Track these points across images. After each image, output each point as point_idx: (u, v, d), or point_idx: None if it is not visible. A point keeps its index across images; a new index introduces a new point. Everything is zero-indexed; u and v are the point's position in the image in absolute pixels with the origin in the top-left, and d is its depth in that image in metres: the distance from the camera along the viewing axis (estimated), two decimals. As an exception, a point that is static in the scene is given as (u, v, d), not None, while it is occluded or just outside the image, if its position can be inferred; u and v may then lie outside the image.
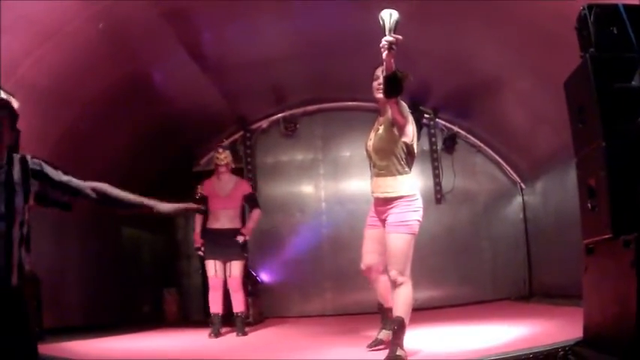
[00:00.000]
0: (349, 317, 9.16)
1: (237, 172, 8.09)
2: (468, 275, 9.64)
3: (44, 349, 5.04)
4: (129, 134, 8.65)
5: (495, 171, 10.39)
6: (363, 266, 5.13)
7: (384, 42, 4.10)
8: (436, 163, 10.30)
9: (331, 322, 8.65)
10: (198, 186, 7.63)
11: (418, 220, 4.75)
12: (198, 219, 7.57)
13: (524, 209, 10.16)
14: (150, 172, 9.61)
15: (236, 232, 7.43)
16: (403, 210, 4.71)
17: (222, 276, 7.38)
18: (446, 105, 9.13)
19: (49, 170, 3.55)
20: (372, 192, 5.00)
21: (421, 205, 4.82)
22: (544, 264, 9.25)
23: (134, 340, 7.24)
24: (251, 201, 7.83)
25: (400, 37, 4.09)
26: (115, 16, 6.20)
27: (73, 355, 5.28)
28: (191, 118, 9.19)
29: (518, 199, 10.26)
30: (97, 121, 7.61)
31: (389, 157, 4.80)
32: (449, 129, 10.18)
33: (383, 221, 4.90)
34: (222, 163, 7.50)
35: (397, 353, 4.44)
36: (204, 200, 7.47)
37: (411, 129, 4.79)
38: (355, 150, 10.57)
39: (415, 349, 5.08)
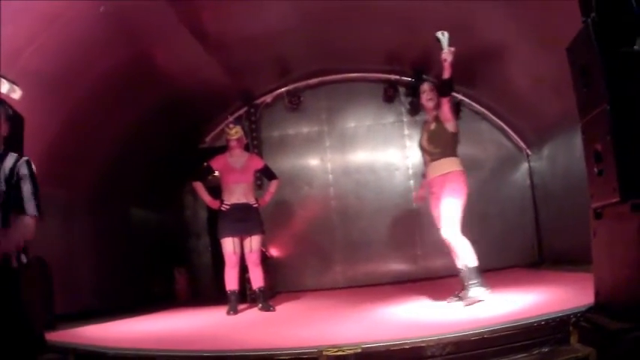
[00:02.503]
0: (361, 289, 9.23)
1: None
2: (476, 243, 9.49)
3: (56, 335, 5.03)
4: (134, 114, 8.63)
5: (501, 137, 10.38)
6: (442, 235, 6.10)
7: (444, 55, 5.64)
8: (442, 132, 10.27)
9: (343, 295, 8.68)
10: (210, 161, 7.56)
11: (465, 190, 5.99)
12: (200, 188, 7.51)
13: (530, 175, 10.15)
14: (156, 151, 9.61)
15: (251, 206, 7.41)
16: (454, 182, 5.92)
17: (240, 252, 7.35)
18: (449, 73, 9.04)
19: (24, 181, 3.60)
20: (429, 175, 6.12)
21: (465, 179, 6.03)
22: (553, 230, 9.24)
23: (147, 321, 7.21)
24: (268, 173, 7.83)
25: (454, 48, 5.61)
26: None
27: (88, 341, 5.18)
28: (195, 96, 9.17)
29: (525, 165, 10.25)
30: (101, 102, 7.60)
31: (442, 145, 5.98)
32: (453, 97, 10.08)
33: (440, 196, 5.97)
34: (233, 137, 7.47)
35: (470, 294, 5.66)
36: (210, 171, 7.51)
37: (455, 123, 6.07)
38: (360, 121, 10.60)
39: (426, 319, 5.12)
